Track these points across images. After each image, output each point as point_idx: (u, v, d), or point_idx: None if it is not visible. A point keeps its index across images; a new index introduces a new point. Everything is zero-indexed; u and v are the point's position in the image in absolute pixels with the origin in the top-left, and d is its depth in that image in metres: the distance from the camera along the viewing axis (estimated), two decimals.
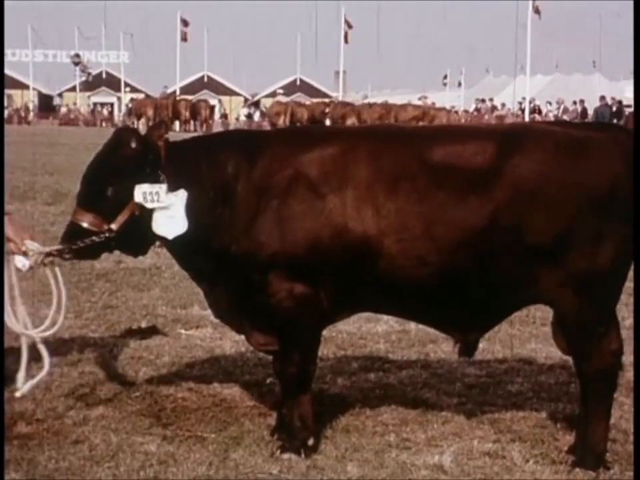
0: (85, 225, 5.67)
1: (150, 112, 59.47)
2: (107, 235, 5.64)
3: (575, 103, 52.09)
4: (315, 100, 61.49)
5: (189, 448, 5.85)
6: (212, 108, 63.19)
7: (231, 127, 52.61)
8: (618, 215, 5.48)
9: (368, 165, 5.61)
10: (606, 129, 5.84)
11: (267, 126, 52.52)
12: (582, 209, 5.46)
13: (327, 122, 49.88)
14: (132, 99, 68.06)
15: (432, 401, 6.76)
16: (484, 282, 5.61)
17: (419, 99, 61.46)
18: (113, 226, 5.64)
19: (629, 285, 6.25)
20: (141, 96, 71.86)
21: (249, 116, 65.58)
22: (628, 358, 6.60)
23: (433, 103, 61.30)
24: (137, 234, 5.71)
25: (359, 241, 5.54)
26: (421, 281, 5.61)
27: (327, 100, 59.47)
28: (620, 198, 5.48)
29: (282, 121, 52.73)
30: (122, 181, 5.64)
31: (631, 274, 5.68)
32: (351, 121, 48.72)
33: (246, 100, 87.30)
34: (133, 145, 5.65)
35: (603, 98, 44.66)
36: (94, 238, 5.64)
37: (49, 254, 5.80)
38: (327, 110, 52.57)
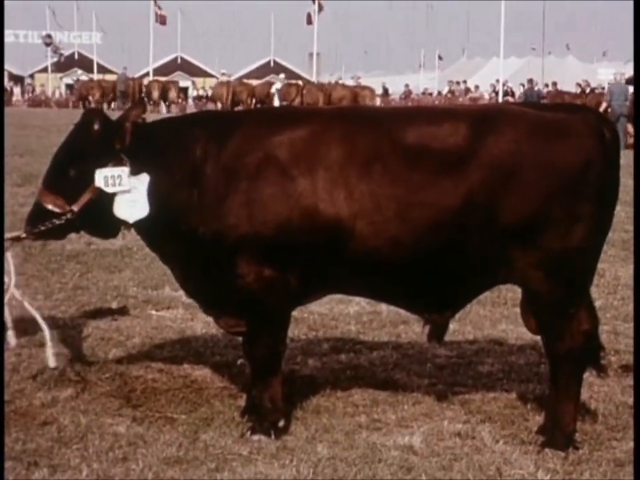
0: (48, 206, 5.68)
1: (97, 94, 59.06)
2: (69, 216, 5.65)
3: (547, 85, 52.22)
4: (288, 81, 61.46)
5: (159, 429, 5.84)
6: (180, 89, 62.60)
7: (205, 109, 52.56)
8: (590, 196, 5.50)
9: (340, 146, 5.58)
10: (576, 110, 5.85)
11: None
12: (555, 190, 5.47)
13: (276, 102, 50.17)
14: (77, 80, 67.09)
15: (403, 382, 6.77)
16: (456, 262, 5.61)
17: (352, 78, 61.96)
18: (74, 207, 5.64)
19: (600, 266, 6.27)
20: (113, 77, 71.15)
21: (199, 98, 64.79)
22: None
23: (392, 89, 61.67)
24: (102, 216, 5.70)
25: (331, 223, 5.52)
26: (393, 262, 5.60)
27: (271, 80, 59.51)
28: (592, 178, 5.50)
29: (224, 101, 52.94)
30: (83, 162, 5.64)
31: (626, 272, 5.71)
32: (297, 101, 49.25)
33: None
34: (96, 126, 5.64)
35: (530, 81, 45.34)
36: (55, 221, 5.67)
37: (15, 239, 5.86)
38: (273, 90, 52.83)
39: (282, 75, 57.16)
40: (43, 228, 5.71)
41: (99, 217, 5.71)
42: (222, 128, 5.78)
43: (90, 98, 59.26)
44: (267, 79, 67.98)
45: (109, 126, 5.66)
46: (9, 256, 5.94)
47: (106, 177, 5.59)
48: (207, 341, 7.72)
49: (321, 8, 63.56)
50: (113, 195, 5.61)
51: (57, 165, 5.76)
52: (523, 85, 55.26)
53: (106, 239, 6.52)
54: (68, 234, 5.94)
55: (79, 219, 5.68)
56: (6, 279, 5.98)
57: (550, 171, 5.48)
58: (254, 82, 61.43)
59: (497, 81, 55.02)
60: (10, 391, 6.37)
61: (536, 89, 47.07)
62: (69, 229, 5.80)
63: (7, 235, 5.90)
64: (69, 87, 77.85)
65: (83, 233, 5.98)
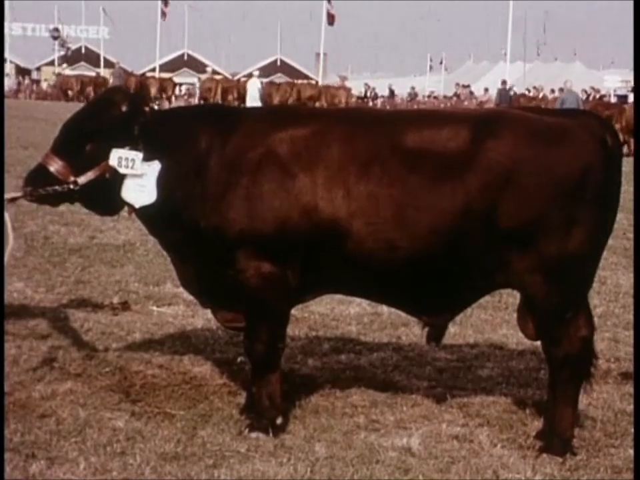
0: (52, 170, 5.67)
1: (76, 88, 59.47)
2: (71, 186, 5.64)
3: (552, 91, 52.27)
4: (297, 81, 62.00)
5: (157, 424, 5.84)
6: (174, 85, 62.71)
7: None
8: (589, 201, 5.50)
9: (340, 147, 5.60)
10: (577, 115, 5.85)
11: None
12: (554, 195, 5.47)
13: (255, 101, 51.26)
14: (58, 74, 67.37)
15: (402, 384, 6.77)
16: (453, 266, 5.61)
17: (338, 77, 62.96)
18: (80, 179, 5.65)
19: (602, 273, 6.29)
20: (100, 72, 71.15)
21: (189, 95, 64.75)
22: (599, 345, 6.64)
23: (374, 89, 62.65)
24: (104, 194, 5.72)
25: (328, 222, 5.53)
26: (390, 264, 5.60)
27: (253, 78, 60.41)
28: (591, 184, 5.49)
29: (212, 97, 53.57)
30: (103, 139, 5.64)
31: (627, 279, 5.70)
32: (273, 99, 50.85)
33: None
34: (124, 108, 5.65)
35: (504, 82, 45.91)
36: (56, 187, 5.66)
37: (12, 199, 5.86)
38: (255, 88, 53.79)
39: (257, 72, 57.33)
40: (42, 192, 5.69)
41: (101, 194, 5.72)
42: (227, 122, 5.81)
43: (69, 92, 59.70)
44: (272, 78, 68.05)
45: (136, 110, 5.68)
46: (6, 215, 5.92)
47: (120, 158, 5.61)
48: (207, 337, 7.72)
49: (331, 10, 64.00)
50: (121, 177, 5.63)
51: (70, 132, 5.75)
52: (529, 90, 55.37)
53: (101, 215, 6.53)
54: (63, 202, 5.93)
55: (80, 191, 5.68)
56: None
57: (549, 175, 5.48)
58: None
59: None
60: (9, 383, 6.37)
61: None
62: (67, 198, 5.79)
63: (6, 196, 5.89)
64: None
65: (85, 227, 6.00)
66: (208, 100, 52.27)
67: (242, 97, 53.93)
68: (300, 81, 60.74)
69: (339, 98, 52.47)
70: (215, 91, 54.43)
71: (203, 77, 59.77)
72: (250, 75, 50.33)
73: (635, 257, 5.85)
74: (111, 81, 58.23)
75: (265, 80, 55.67)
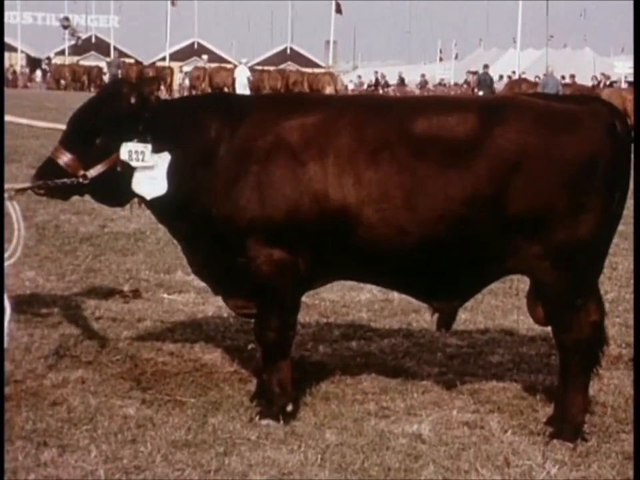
0: (61, 163, 5.67)
1: (69, 77, 60.14)
2: (80, 180, 5.65)
3: (563, 77, 52.20)
4: (305, 69, 62.38)
5: (168, 412, 5.85)
6: (173, 74, 63.06)
7: None
8: (598, 188, 5.49)
9: (350, 133, 5.60)
10: (587, 102, 5.82)
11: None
12: (562, 181, 5.47)
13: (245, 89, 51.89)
14: (50, 63, 67.96)
15: (412, 370, 6.77)
16: (463, 252, 5.61)
17: (328, 66, 64.07)
18: (90, 173, 5.65)
19: (613, 259, 6.27)
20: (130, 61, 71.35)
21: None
22: (610, 331, 6.63)
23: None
24: (112, 186, 5.72)
25: (339, 209, 5.53)
26: (400, 251, 5.61)
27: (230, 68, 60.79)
28: (600, 170, 5.49)
29: (201, 85, 53.79)
30: (113, 133, 5.63)
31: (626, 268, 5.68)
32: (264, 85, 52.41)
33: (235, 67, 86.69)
34: (133, 100, 5.64)
35: (486, 66, 46.14)
36: (65, 180, 5.66)
37: (21, 190, 5.89)
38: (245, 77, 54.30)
39: (244, 60, 57.38)
40: (51, 183, 5.69)
41: (110, 187, 5.72)
42: (236, 110, 5.80)
43: (62, 81, 60.10)
44: (283, 66, 68.08)
45: (144, 102, 5.67)
46: (15, 205, 5.92)
47: (130, 152, 5.61)
48: (217, 325, 7.74)
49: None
50: (131, 169, 5.63)
51: (79, 126, 5.74)
52: (539, 77, 55.24)
53: (110, 207, 6.58)
54: (73, 195, 5.94)
55: (89, 184, 5.68)
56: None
57: (557, 161, 5.47)
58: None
59: (514, 72, 54.92)
60: (21, 371, 6.40)
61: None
62: (75, 191, 5.81)
63: (15, 186, 5.90)
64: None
65: (97, 215, 5.99)
66: (197, 88, 52.43)
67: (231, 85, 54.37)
68: (293, 69, 61.54)
69: (322, 84, 53.28)
70: (203, 79, 54.66)
71: (200, 64, 59.79)
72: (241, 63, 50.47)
73: (634, 248, 5.83)
74: (107, 70, 58.51)
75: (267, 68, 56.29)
